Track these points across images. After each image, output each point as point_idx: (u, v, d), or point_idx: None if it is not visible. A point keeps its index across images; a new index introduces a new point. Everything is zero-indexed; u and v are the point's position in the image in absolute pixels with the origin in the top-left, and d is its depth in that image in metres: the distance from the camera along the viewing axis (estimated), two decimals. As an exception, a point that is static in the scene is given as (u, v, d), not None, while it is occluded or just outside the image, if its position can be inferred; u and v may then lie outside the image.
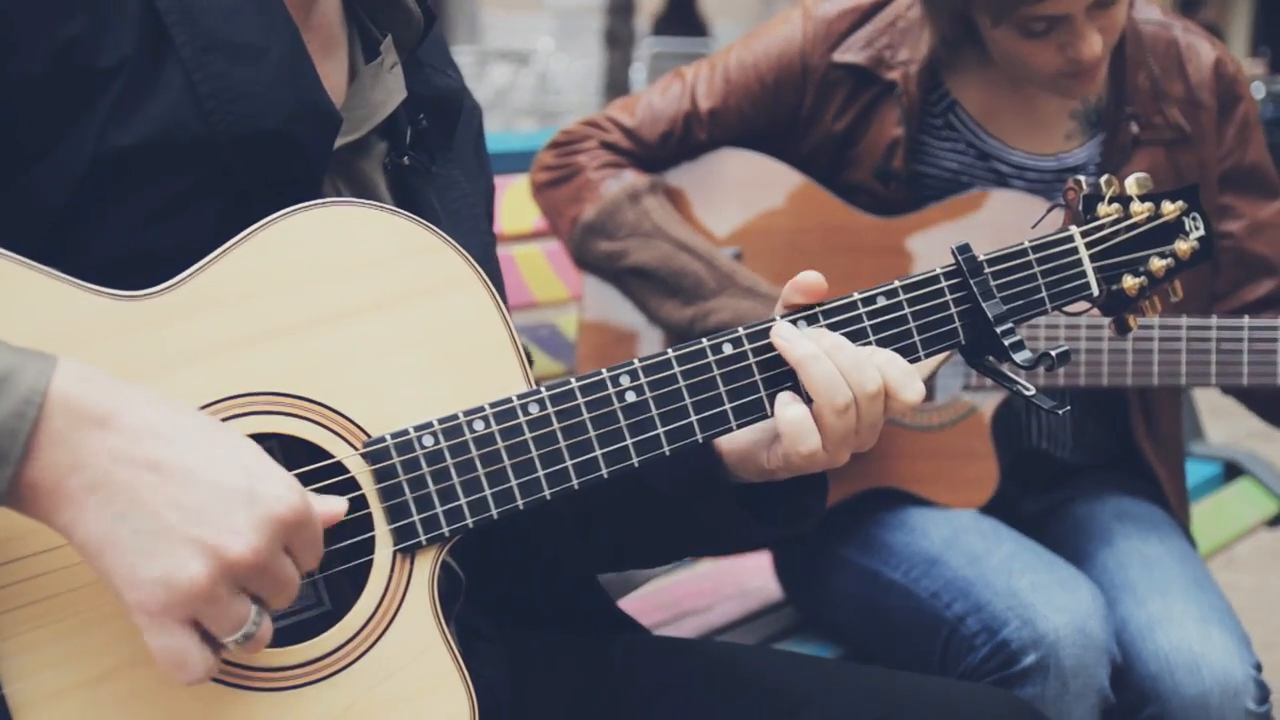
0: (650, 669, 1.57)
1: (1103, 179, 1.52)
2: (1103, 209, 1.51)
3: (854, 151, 2.28)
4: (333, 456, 1.22)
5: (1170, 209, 1.52)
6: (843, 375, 1.34)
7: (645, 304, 2.32)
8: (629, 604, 1.91)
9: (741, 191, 2.36)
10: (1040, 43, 2.06)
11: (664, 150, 2.35)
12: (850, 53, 2.26)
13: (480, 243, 1.47)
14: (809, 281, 1.38)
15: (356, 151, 1.40)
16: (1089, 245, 1.49)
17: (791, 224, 2.33)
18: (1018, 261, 1.45)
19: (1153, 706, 2.01)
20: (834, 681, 1.54)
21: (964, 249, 1.43)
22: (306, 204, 1.24)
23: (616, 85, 11.49)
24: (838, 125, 2.27)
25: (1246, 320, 2.12)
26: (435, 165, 1.47)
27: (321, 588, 1.32)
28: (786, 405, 1.35)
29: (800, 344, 1.35)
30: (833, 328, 1.38)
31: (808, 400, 1.35)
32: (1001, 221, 2.22)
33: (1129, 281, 1.50)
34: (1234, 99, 2.29)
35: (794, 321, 1.37)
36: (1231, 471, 3.30)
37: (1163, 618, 2.06)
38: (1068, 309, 1.51)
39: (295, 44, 1.29)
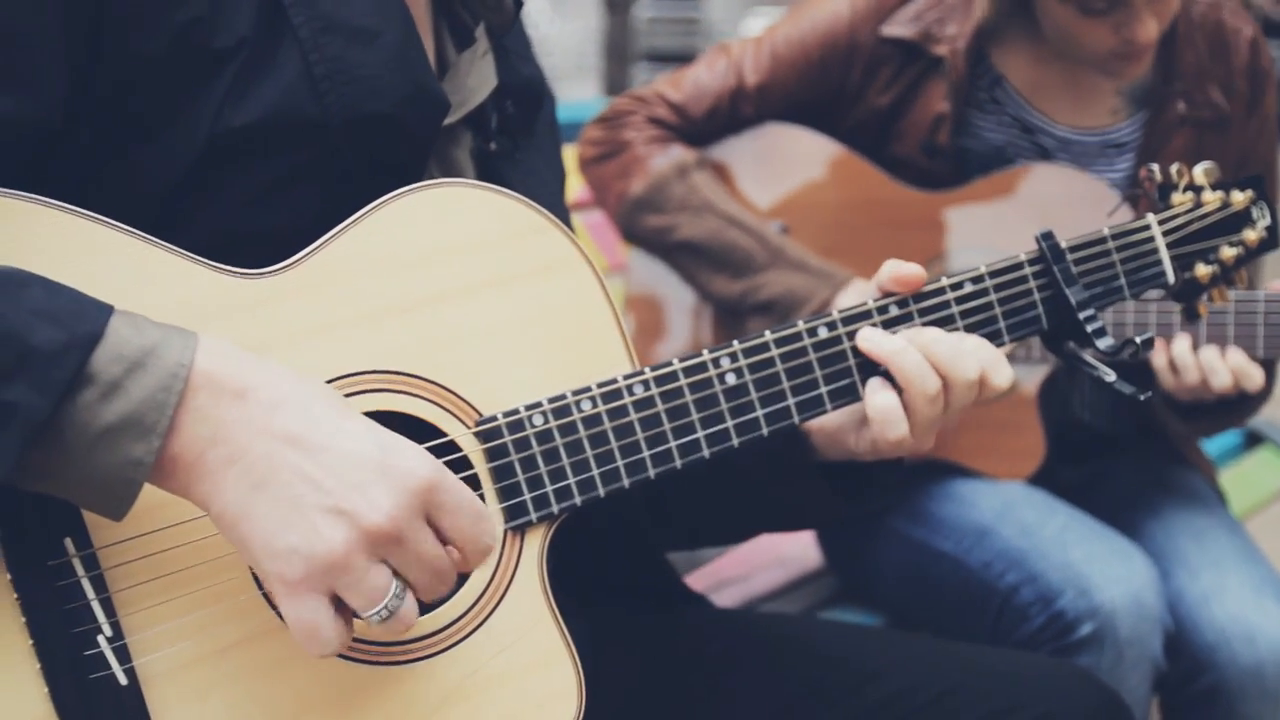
0: (719, 642, 1.58)
1: (1173, 168, 1.55)
2: (1176, 198, 1.54)
3: (899, 126, 2.29)
4: (445, 434, 1.23)
5: (1240, 199, 1.55)
6: (940, 364, 1.35)
7: (695, 278, 2.33)
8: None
9: (787, 166, 2.37)
10: (1096, 22, 2.08)
11: (710, 125, 2.36)
12: (898, 26, 2.27)
13: None
14: (908, 274, 1.39)
15: (448, 137, 1.41)
16: (1165, 234, 1.51)
17: (837, 198, 2.35)
18: (1098, 249, 1.47)
19: (1209, 676, 2.04)
20: (901, 652, 1.56)
21: (1047, 235, 1.44)
22: (418, 185, 1.24)
23: (617, 50, 11.38)
24: (883, 100, 2.29)
25: None
26: (518, 152, 1.47)
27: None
28: (875, 392, 1.36)
29: (886, 341, 1.36)
30: (923, 313, 1.40)
31: (898, 389, 1.36)
32: (1045, 196, 2.24)
33: (1201, 270, 1.53)
34: (1262, 92, 2.31)
35: (885, 309, 1.39)
36: (1252, 440, 3.29)
37: (1217, 590, 2.10)
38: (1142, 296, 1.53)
39: (408, 28, 1.30)
